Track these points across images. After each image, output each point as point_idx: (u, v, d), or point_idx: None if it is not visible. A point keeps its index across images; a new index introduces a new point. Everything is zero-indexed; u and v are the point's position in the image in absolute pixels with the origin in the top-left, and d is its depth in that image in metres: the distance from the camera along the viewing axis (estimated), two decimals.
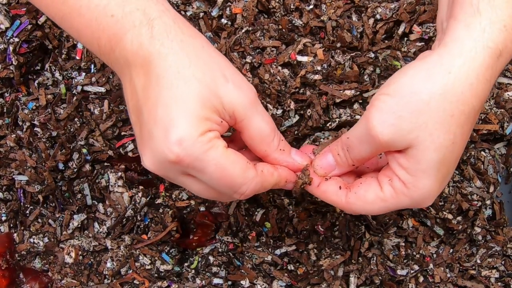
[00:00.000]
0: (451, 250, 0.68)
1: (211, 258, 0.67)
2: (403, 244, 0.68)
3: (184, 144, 0.40)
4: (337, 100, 0.65)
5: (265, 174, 0.46)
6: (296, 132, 0.66)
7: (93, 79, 0.68)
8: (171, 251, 0.68)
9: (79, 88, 0.67)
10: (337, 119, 0.65)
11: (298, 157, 0.49)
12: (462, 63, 0.40)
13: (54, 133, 0.68)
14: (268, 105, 0.65)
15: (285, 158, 0.48)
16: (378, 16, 0.65)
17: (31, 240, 0.68)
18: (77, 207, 0.68)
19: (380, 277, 0.66)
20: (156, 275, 0.67)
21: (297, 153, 0.50)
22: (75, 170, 0.67)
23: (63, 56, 0.68)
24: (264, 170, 0.46)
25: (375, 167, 0.50)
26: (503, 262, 0.67)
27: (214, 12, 0.66)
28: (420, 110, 0.40)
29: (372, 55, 0.65)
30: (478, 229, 0.68)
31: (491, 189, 0.69)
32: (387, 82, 0.43)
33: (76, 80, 0.68)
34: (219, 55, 0.45)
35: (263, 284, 0.66)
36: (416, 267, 0.66)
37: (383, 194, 0.44)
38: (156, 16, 0.43)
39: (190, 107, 0.41)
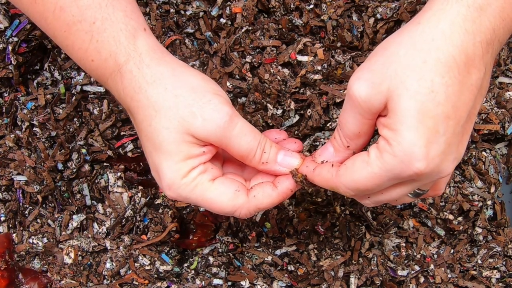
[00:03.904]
0: (452, 251, 0.68)
1: (211, 259, 0.67)
2: (404, 244, 0.67)
3: (172, 188, 0.46)
4: (338, 100, 0.65)
5: (259, 198, 0.47)
6: (296, 132, 0.66)
7: (92, 78, 0.67)
8: (170, 251, 0.67)
9: (78, 88, 0.67)
10: (337, 119, 0.65)
11: (285, 162, 0.49)
12: (431, 14, 0.40)
13: (53, 133, 0.67)
14: (268, 105, 0.65)
15: (270, 169, 0.49)
16: (378, 16, 0.65)
17: (30, 240, 0.68)
18: (76, 208, 0.68)
19: (380, 278, 0.65)
20: (155, 275, 0.67)
21: (285, 157, 0.49)
22: (74, 170, 0.67)
23: (62, 55, 0.67)
24: (258, 195, 0.47)
25: None
26: (504, 263, 0.67)
27: (214, 12, 0.65)
28: (389, 61, 0.40)
29: None
30: (479, 230, 0.67)
31: (492, 189, 0.69)
32: None
33: (75, 79, 0.68)
34: (184, 86, 0.46)
35: (263, 285, 0.65)
36: (416, 268, 0.66)
37: (368, 158, 0.42)
38: (123, 62, 0.45)
39: (167, 155, 0.45)
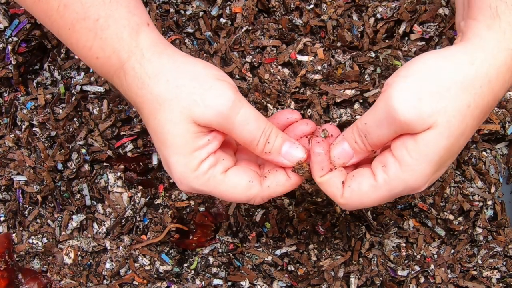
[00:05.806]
0: (452, 251, 0.68)
1: (210, 259, 0.67)
2: (404, 244, 0.67)
3: (184, 182, 0.45)
4: (338, 100, 0.65)
5: (273, 187, 0.47)
6: None
7: (92, 78, 0.67)
8: (170, 251, 0.67)
9: (78, 87, 0.67)
10: (337, 119, 0.65)
11: (289, 154, 0.47)
12: (484, 57, 0.41)
13: (53, 133, 0.67)
14: (268, 105, 0.65)
15: (273, 159, 0.48)
16: (378, 16, 0.65)
17: (30, 240, 0.68)
18: (76, 208, 0.68)
19: (380, 278, 0.65)
20: (155, 275, 0.67)
21: (289, 149, 0.48)
22: (74, 170, 0.67)
23: (62, 55, 0.67)
24: (272, 185, 0.47)
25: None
26: (504, 263, 0.67)
27: (214, 11, 0.65)
28: (440, 95, 0.40)
29: (373, 54, 0.65)
30: (479, 230, 0.67)
31: (493, 189, 0.68)
32: (405, 64, 0.43)
33: (75, 79, 0.67)
34: (186, 76, 0.45)
35: (263, 285, 0.65)
36: (417, 268, 0.66)
37: (376, 182, 0.43)
38: (125, 59, 0.45)
39: (174, 148, 0.44)
